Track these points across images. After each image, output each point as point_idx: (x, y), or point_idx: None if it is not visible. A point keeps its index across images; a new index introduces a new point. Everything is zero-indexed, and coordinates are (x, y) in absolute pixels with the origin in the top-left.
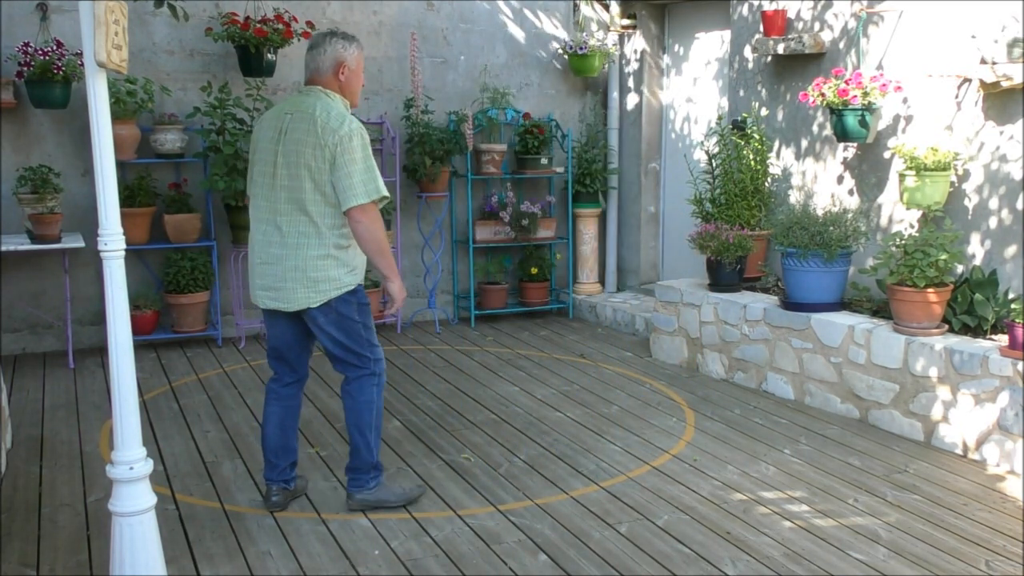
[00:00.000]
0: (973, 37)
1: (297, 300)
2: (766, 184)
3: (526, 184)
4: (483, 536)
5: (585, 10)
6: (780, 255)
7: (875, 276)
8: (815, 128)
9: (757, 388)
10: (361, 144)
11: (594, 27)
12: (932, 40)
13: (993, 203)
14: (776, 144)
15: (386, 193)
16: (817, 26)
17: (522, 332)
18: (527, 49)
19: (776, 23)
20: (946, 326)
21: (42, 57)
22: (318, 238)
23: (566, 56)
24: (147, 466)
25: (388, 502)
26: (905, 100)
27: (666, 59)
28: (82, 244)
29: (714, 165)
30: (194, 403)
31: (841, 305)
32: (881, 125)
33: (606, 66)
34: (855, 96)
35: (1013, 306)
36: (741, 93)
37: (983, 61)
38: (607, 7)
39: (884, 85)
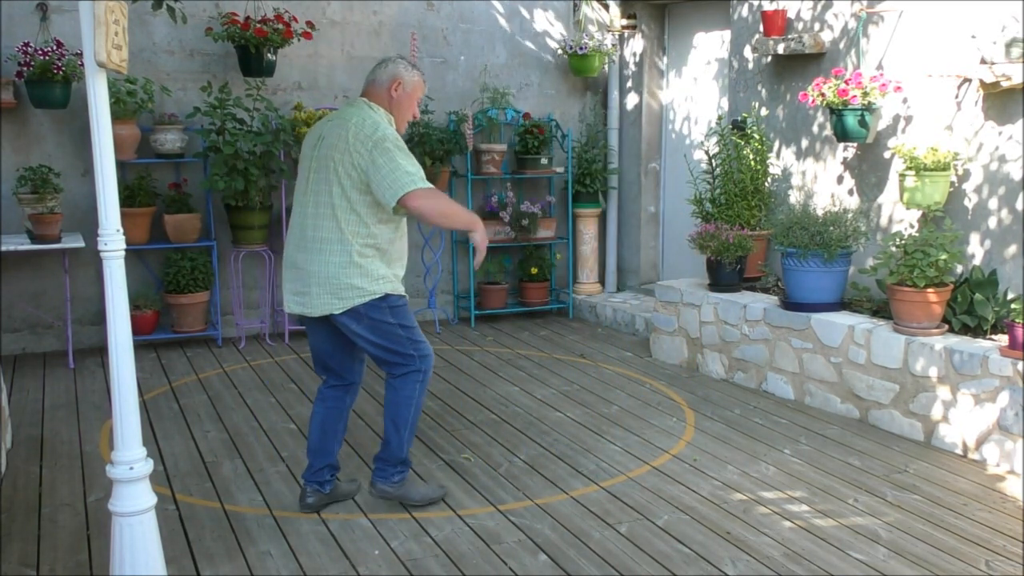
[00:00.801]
0: (973, 37)
1: (320, 306)
2: (766, 184)
3: (526, 184)
4: (483, 536)
5: (585, 10)
6: (780, 255)
7: (875, 276)
8: (815, 128)
9: (757, 388)
10: (395, 145)
11: (593, 28)
12: (932, 40)
13: (993, 203)
14: (776, 144)
15: (430, 186)
16: (817, 26)
17: (522, 332)
18: (527, 49)
19: (776, 23)
20: (946, 326)
21: (42, 57)
22: (341, 244)
23: (566, 56)
24: (147, 466)
25: (409, 499)
26: (905, 100)
27: (666, 59)
28: (82, 244)
29: (714, 165)
30: (194, 403)
31: (841, 305)
32: (881, 125)
33: (606, 66)
34: (855, 96)
35: (1013, 306)
36: (741, 93)
37: (983, 61)
38: (607, 7)
39: (884, 85)
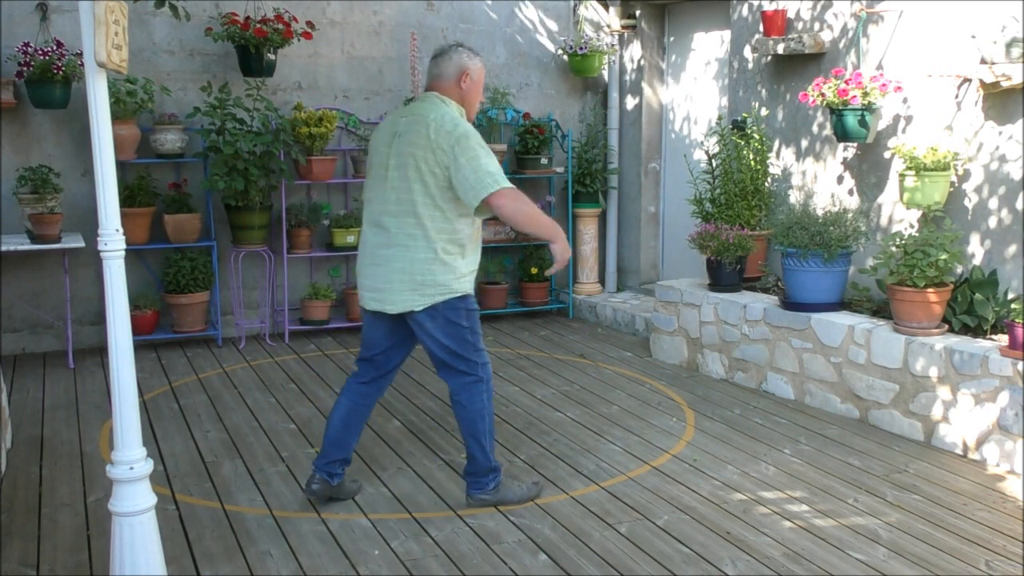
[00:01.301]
0: (973, 37)
1: (401, 302)
2: (766, 184)
3: (526, 184)
4: (483, 536)
5: (583, 11)
6: (780, 255)
7: (875, 276)
8: (815, 128)
9: (757, 388)
10: (477, 141)
11: (588, 28)
12: (932, 40)
13: (993, 203)
14: (776, 144)
15: (511, 186)
16: (817, 26)
17: (522, 332)
18: (527, 49)
19: (776, 23)
20: (946, 326)
21: (42, 57)
22: (425, 241)
23: (566, 56)
24: (147, 466)
25: (509, 501)
26: (905, 100)
27: (666, 59)
28: (82, 244)
29: (714, 165)
30: (194, 403)
31: (841, 305)
32: (881, 125)
33: (605, 66)
34: (855, 96)
35: (1013, 306)
36: (741, 93)
37: (983, 61)
38: (606, 7)
39: (884, 85)
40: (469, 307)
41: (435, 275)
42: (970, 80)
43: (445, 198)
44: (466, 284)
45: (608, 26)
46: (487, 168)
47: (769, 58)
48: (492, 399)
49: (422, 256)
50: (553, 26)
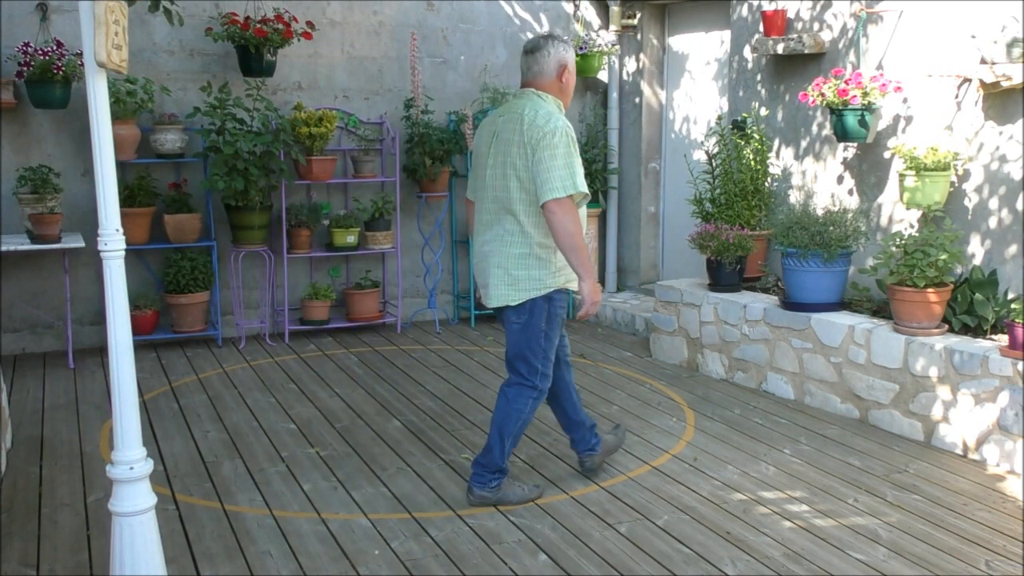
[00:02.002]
0: (973, 37)
1: (498, 297)
2: (766, 184)
3: None
4: (483, 536)
5: (583, 11)
6: (780, 255)
7: (875, 276)
8: (815, 128)
9: (757, 388)
10: (564, 141)
11: (578, 27)
12: (932, 40)
13: (993, 203)
14: (776, 144)
15: (585, 190)
16: (817, 26)
17: None
18: None
19: (776, 23)
20: (946, 326)
21: (42, 57)
22: (522, 236)
23: None
24: (147, 466)
25: (508, 501)
26: (905, 100)
27: (666, 59)
28: (82, 244)
29: (714, 165)
30: (194, 403)
31: (841, 305)
32: (881, 125)
33: (605, 66)
34: (855, 96)
35: (1013, 306)
36: (741, 93)
37: (983, 61)
38: (607, 7)
39: (884, 85)
40: (554, 311)
41: (530, 269)
42: (970, 80)
43: (534, 189)
44: (560, 279)
45: (609, 24)
46: (558, 172)
47: (769, 58)
48: (535, 411)
49: (517, 251)
50: (554, 26)
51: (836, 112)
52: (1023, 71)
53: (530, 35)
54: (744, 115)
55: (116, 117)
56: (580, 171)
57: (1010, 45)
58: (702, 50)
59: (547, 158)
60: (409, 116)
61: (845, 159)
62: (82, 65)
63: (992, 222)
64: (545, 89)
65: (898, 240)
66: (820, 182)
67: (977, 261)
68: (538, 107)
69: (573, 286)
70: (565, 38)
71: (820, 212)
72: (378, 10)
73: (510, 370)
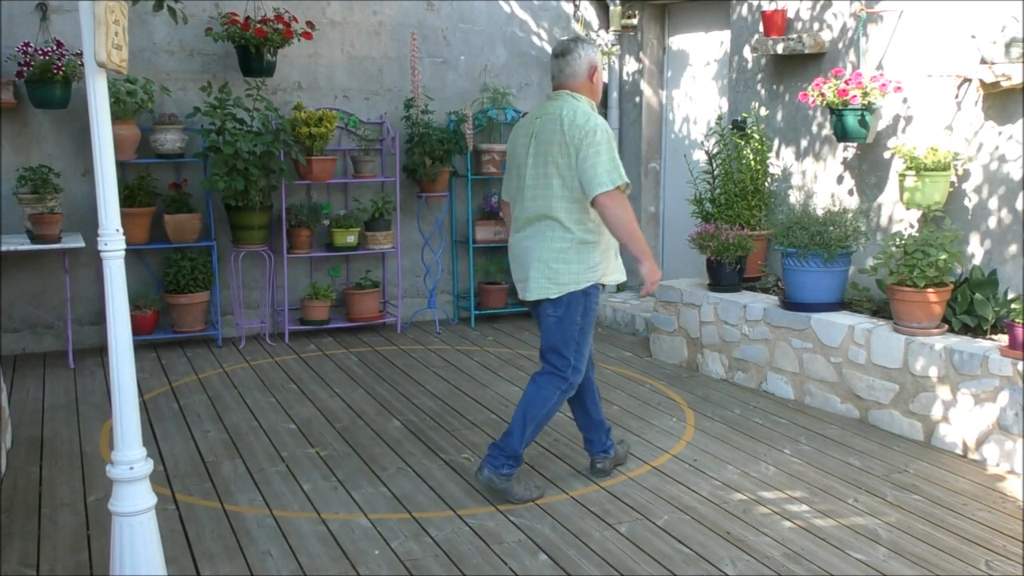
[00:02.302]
0: (973, 37)
1: (537, 290)
2: (766, 184)
3: None
4: (483, 536)
5: (583, 10)
6: (780, 255)
7: (875, 276)
8: (815, 128)
9: (757, 388)
10: (605, 138)
11: (578, 27)
12: (932, 40)
13: (993, 203)
14: (776, 144)
15: (627, 180)
16: (817, 26)
17: (522, 332)
18: (527, 49)
19: (776, 23)
20: (946, 326)
21: (42, 57)
22: (562, 231)
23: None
24: (147, 466)
25: (510, 495)
26: (905, 100)
27: (666, 59)
28: (82, 244)
29: (714, 165)
30: (194, 403)
31: (841, 305)
32: (881, 125)
33: (605, 66)
34: (855, 96)
35: (1013, 306)
36: (741, 93)
37: (983, 61)
38: (607, 7)
39: (884, 85)
40: (590, 305)
41: (569, 264)
42: (970, 80)
43: (581, 190)
44: (597, 273)
45: (608, 24)
46: (605, 165)
47: (769, 58)
48: (561, 404)
49: (557, 246)
50: (553, 26)
51: (836, 112)
52: (1023, 71)
53: (530, 35)
54: (744, 115)
55: (116, 117)
56: (620, 163)
57: (1010, 45)
58: (702, 50)
59: (591, 155)
60: (409, 116)
61: (845, 159)
62: (82, 65)
63: (992, 222)
64: (577, 90)
65: (898, 240)
66: (820, 182)
67: (977, 261)
68: (575, 108)
69: (607, 280)
70: (592, 40)
71: (820, 212)
72: (378, 10)
73: (543, 361)
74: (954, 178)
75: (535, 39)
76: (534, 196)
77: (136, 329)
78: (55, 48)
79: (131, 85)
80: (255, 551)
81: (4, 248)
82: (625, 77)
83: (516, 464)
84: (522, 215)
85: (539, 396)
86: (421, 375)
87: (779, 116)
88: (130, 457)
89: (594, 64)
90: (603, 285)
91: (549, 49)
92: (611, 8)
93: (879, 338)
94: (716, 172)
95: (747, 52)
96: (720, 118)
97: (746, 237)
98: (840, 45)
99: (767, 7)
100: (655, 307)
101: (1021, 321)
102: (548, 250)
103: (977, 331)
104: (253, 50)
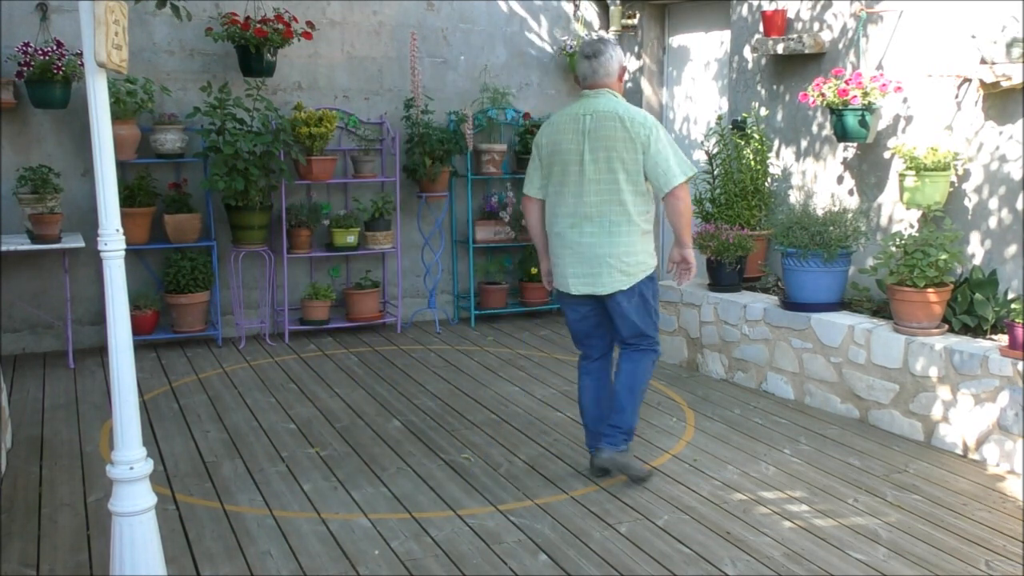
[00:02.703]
0: (973, 37)
1: (611, 284)
2: (766, 184)
3: None
4: (483, 536)
5: (583, 10)
6: (780, 255)
7: (875, 276)
8: (815, 128)
9: (757, 388)
10: (664, 132)
11: (578, 27)
12: (932, 40)
13: (993, 203)
14: (776, 144)
15: (695, 169)
16: (817, 26)
17: (522, 332)
18: (527, 49)
19: (776, 23)
20: (946, 326)
21: (42, 57)
22: (629, 225)
23: (566, 56)
24: (147, 466)
25: (632, 469)
26: (905, 100)
27: (666, 59)
28: (82, 244)
29: (714, 165)
30: (194, 403)
31: (841, 305)
32: (881, 125)
33: None
34: (855, 96)
35: (1013, 306)
36: (741, 93)
37: (983, 61)
38: (607, 7)
39: (884, 85)
40: (656, 286)
41: (638, 255)
42: (970, 80)
43: (644, 184)
44: (654, 259)
45: (609, 24)
46: (675, 158)
47: (769, 58)
48: (653, 374)
49: (626, 239)
50: (554, 26)
51: (836, 112)
52: (1023, 71)
53: (530, 35)
54: (744, 115)
55: (116, 117)
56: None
57: (1010, 45)
58: (702, 50)
59: (662, 150)
60: (409, 116)
61: (845, 159)
62: (82, 65)
63: (992, 222)
64: (613, 88)
65: (898, 240)
66: (820, 182)
67: (977, 261)
68: (627, 106)
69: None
70: (616, 40)
71: (820, 212)
72: (378, 10)
73: (628, 344)
74: (954, 178)
75: (535, 39)
76: (597, 191)
77: (136, 329)
78: (55, 48)
79: (131, 85)
80: (255, 551)
81: (4, 248)
82: (625, 77)
83: (630, 439)
84: (579, 210)
85: (638, 370)
86: (421, 375)
87: (779, 116)
88: (130, 457)
89: (623, 64)
90: None
91: (549, 49)
92: (611, 8)
93: (879, 338)
94: (716, 172)
95: (747, 52)
96: (720, 118)
97: (746, 237)
98: (840, 45)
99: (767, 7)
100: None
101: (1021, 321)
102: (619, 244)
103: (977, 331)
104: (253, 50)
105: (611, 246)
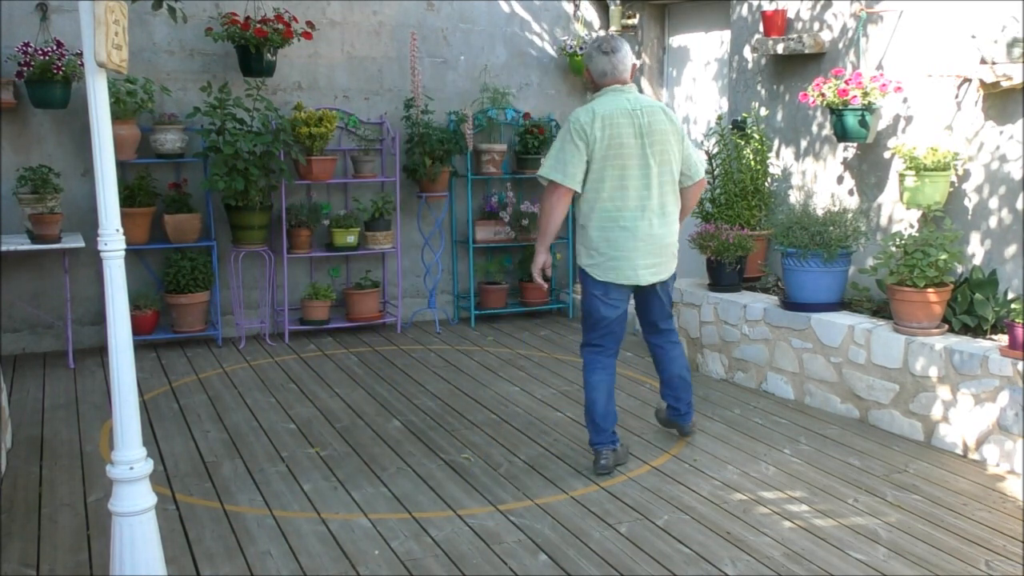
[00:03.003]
0: (973, 37)
1: (669, 270)
2: (766, 184)
3: (526, 184)
4: (483, 536)
5: (583, 11)
6: (780, 255)
7: (875, 276)
8: (815, 128)
9: (757, 388)
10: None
11: (578, 27)
12: (932, 40)
13: (993, 203)
14: (776, 144)
15: None
16: (817, 26)
17: (522, 332)
18: (527, 49)
19: (776, 23)
20: (946, 326)
21: (42, 57)
22: (676, 213)
23: (566, 56)
24: (147, 466)
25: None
26: (905, 100)
27: (666, 59)
28: (82, 244)
29: (714, 165)
30: (194, 403)
31: (841, 305)
32: (881, 125)
33: None
34: (855, 96)
35: (1013, 306)
36: (741, 93)
37: (983, 61)
38: (607, 7)
39: (884, 85)
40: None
41: (677, 242)
42: (970, 80)
43: (684, 171)
44: None
45: (608, 26)
46: (698, 152)
47: (769, 58)
48: None
49: (676, 227)
50: (553, 26)
51: (836, 112)
52: (1023, 71)
53: (530, 35)
54: (744, 115)
55: (116, 117)
56: None
57: (1010, 45)
58: (702, 50)
59: (690, 143)
60: (409, 116)
61: (845, 159)
62: (82, 65)
63: (992, 222)
64: (630, 83)
65: (898, 240)
66: (820, 182)
67: (977, 261)
68: (654, 100)
69: None
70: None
71: (820, 212)
72: (378, 10)
73: (663, 331)
74: (954, 178)
75: (535, 39)
76: (659, 183)
77: (136, 329)
78: (55, 48)
79: (131, 85)
80: (255, 551)
81: (4, 248)
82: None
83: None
84: (647, 203)
85: (681, 349)
86: (421, 375)
87: (779, 116)
88: (130, 457)
89: (634, 61)
90: None
91: (549, 49)
92: (611, 8)
93: (879, 338)
94: (716, 172)
95: (747, 52)
96: (720, 118)
97: (746, 237)
98: (840, 45)
99: (767, 7)
100: None
101: (1021, 321)
102: (675, 233)
103: (977, 331)
104: (253, 50)
105: (672, 235)
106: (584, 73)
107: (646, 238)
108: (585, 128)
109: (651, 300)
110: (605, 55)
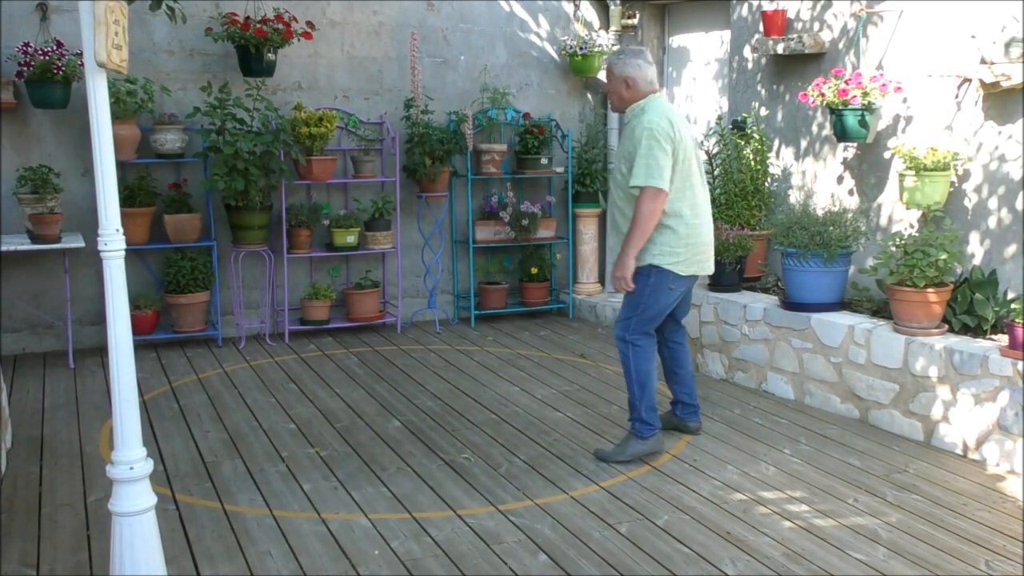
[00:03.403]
0: (973, 37)
1: (712, 264)
2: (766, 184)
3: (526, 184)
4: (483, 536)
5: (583, 11)
6: (780, 255)
7: (875, 276)
8: (815, 128)
9: (757, 388)
10: None
11: (578, 27)
12: (932, 40)
13: (992, 203)
14: (776, 144)
15: None
16: (817, 26)
17: (522, 332)
18: (527, 49)
19: (776, 23)
20: (946, 326)
21: (42, 57)
22: None
23: (566, 56)
24: (147, 466)
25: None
26: (905, 100)
27: (666, 59)
28: (82, 244)
29: (714, 165)
30: (194, 403)
31: (841, 305)
32: (881, 125)
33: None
34: (855, 96)
35: (1013, 306)
36: (741, 93)
37: (983, 61)
38: (607, 7)
39: (884, 85)
40: None
41: None
42: (970, 80)
43: None
44: None
45: (608, 26)
46: None
47: (769, 58)
48: None
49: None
50: (554, 26)
51: (836, 112)
52: (1023, 71)
53: (530, 35)
54: (744, 115)
55: (116, 117)
56: None
57: (1010, 45)
58: (702, 50)
59: None
60: (409, 116)
61: (845, 159)
62: (82, 65)
63: (992, 222)
64: None
65: (898, 240)
66: (820, 182)
67: (977, 261)
68: None
69: None
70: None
71: (820, 212)
72: (378, 10)
73: (682, 327)
74: (954, 178)
75: (535, 39)
76: (704, 184)
77: (136, 329)
78: (55, 48)
79: (131, 85)
80: (255, 551)
81: (4, 248)
82: None
83: None
84: (705, 204)
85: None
86: (421, 375)
87: (779, 116)
88: (130, 457)
89: None
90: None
91: (549, 49)
92: (611, 8)
93: (879, 338)
94: (716, 172)
95: (747, 52)
96: (720, 118)
97: (746, 237)
98: (840, 45)
99: (767, 7)
100: None
101: (1021, 321)
102: (711, 231)
103: (977, 331)
104: (253, 50)
105: (712, 234)
106: (615, 81)
107: (709, 233)
108: (670, 132)
109: (687, 294)
110: (650, 64)
